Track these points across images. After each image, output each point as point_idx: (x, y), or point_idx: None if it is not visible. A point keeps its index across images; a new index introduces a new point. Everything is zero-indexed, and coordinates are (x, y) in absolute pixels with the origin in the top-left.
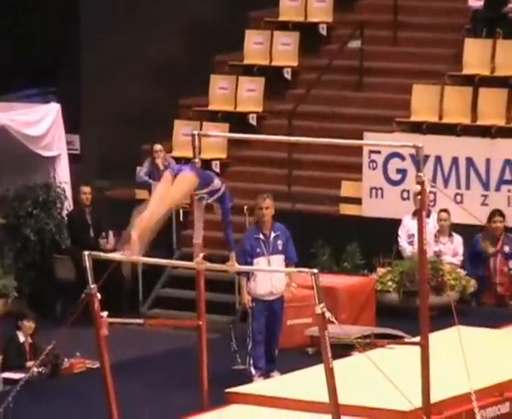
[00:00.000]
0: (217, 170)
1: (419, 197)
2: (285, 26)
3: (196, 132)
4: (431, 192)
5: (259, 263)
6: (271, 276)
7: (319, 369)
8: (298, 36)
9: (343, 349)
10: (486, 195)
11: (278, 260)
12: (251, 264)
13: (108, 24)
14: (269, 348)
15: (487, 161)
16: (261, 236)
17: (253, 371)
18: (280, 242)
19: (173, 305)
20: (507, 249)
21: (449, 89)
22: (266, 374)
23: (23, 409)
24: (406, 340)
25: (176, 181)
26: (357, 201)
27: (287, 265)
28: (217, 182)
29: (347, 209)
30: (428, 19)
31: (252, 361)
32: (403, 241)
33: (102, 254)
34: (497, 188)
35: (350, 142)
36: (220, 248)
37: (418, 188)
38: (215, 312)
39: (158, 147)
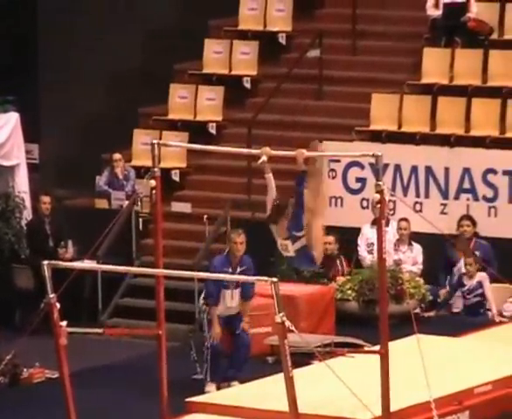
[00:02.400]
0: (177, 179)
1: (379, 206)
2: (244, 35)
3: (155, 141)
4: (390, 201)
5: (225, 295)
6: (232, 305)
7: (279, 378)
8: (257, 45)
9: (303, 358)
10: (445, 204)
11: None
12: (219, 294)
13: (64, 33)
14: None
15: (447, 169)
16: (230, 269)
17: (208, 379)
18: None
19: (132, 315)
20: (477, 254)
21: (408, 98)
22: (224, 381)
23: None
24: (366, 349)
25: None
26: None
27: (242, 303)
28: None
29: None
30: (387, 28)
31: (208, 370)
32: (362, 250)
33: (61, 263)
34: (456, 197)
35: (309, 154)
36: (182, 257)
37: (378, 196)
38: (174, 320)
39: (117, 156)
